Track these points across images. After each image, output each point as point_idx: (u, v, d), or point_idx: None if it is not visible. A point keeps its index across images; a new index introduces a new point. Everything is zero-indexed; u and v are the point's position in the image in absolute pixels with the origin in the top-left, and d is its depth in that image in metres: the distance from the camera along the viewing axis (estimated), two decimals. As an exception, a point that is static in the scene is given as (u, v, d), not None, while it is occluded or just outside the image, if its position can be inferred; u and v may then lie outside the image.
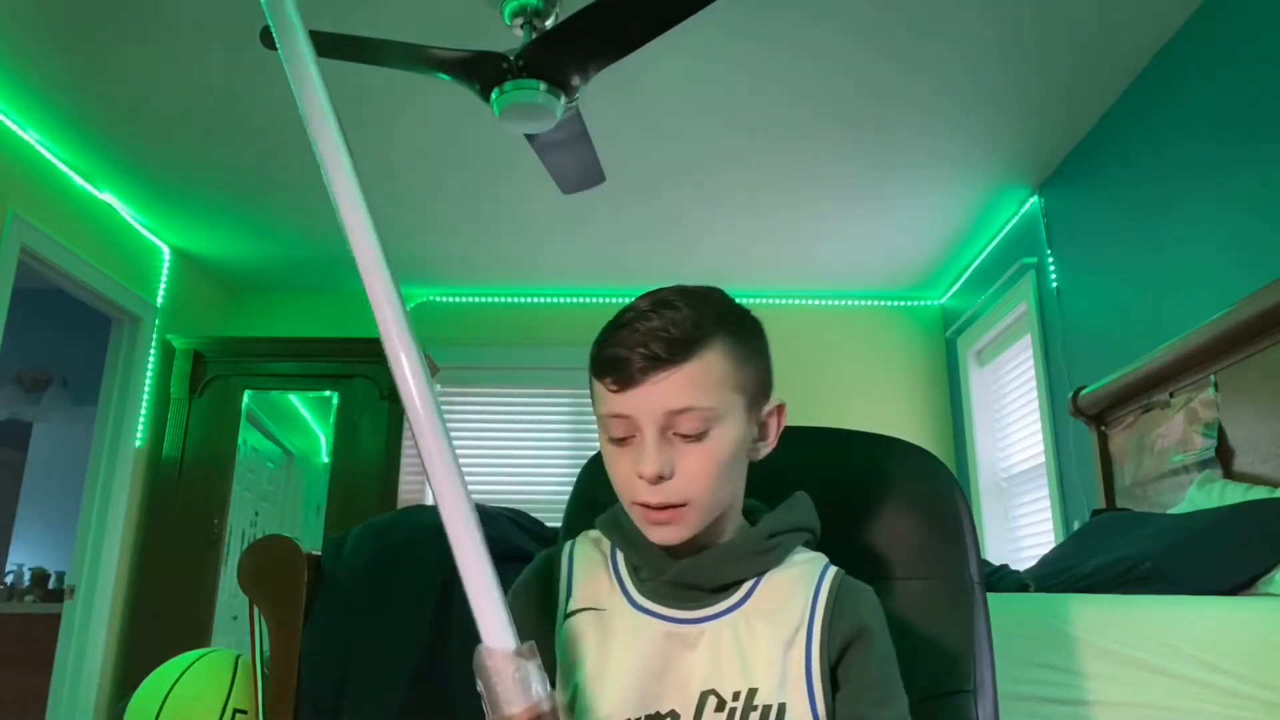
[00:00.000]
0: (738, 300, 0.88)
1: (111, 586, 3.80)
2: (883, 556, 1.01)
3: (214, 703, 1.84)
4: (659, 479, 0.79)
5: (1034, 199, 3.65)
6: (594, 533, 0.91)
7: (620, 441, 0.82)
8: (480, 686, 0.68)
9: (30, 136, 3.29)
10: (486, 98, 2.35)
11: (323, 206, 0.75)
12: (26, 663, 3.88)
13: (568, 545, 0.92)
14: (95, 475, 3.84)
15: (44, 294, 3.94)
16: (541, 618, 0.87)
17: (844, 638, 0.81)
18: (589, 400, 0.86)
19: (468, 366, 4.71)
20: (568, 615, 0.86)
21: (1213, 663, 1.42)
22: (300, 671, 1.57)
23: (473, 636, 0.69)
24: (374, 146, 3.34)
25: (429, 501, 3.72)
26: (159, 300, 4.14)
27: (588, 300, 4.75)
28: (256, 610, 1.64)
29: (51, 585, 4.56)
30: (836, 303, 4.79)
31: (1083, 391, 2.95)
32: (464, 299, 4.80)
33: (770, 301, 4.67)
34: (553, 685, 0.83)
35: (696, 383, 0.79)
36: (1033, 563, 2.28)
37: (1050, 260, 3.50)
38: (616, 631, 0.83)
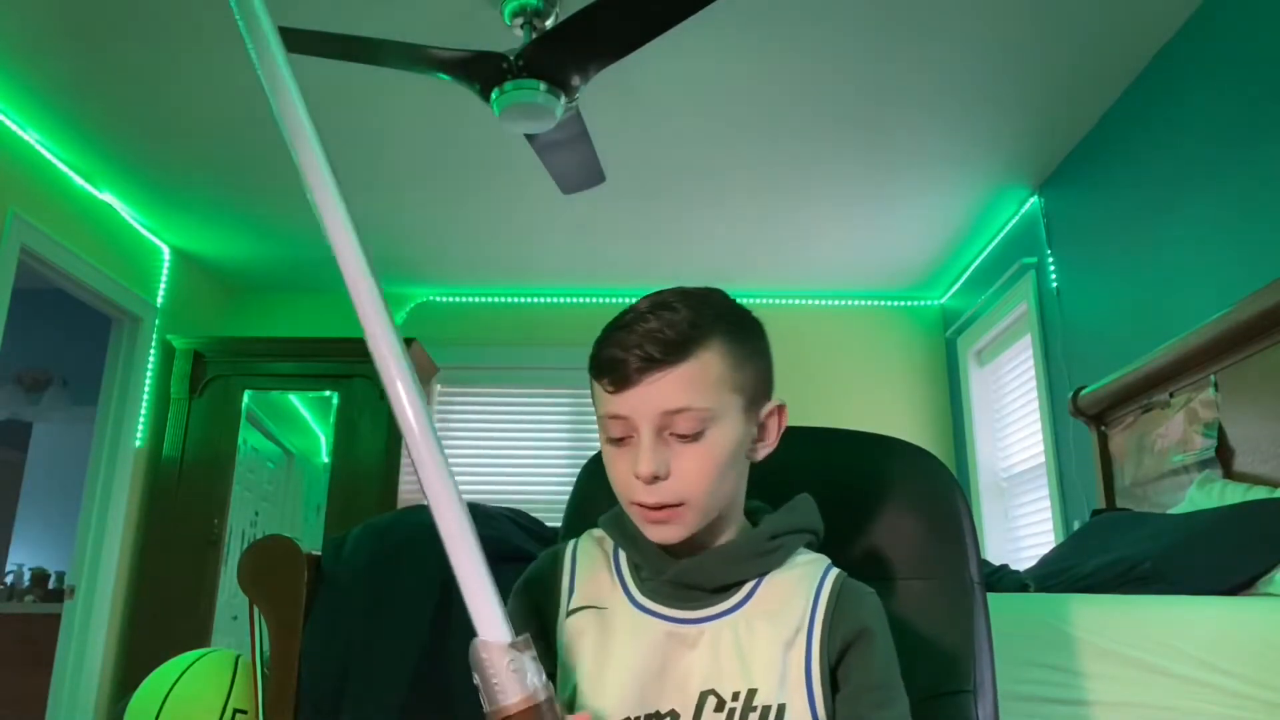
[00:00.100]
0: (738, 301, 0.88)
1: (111, 586, 3.80)
2: (883, 557, 1.01)
3: (214, 703, 1.84)
4: (655, 479, 0.80)
5: (1034, 199, 3.65)
6: (597, 531, 0.92)
7: (618, 442, 0.83)
8: (476, 679, 0.68)
9: (30, 136, 3.29)
10: (486, 98, 2.35)
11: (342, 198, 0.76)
12: (26, 663, 3.88)
13: (571, 543, 0.92)
14: (95, 475, 3.84)
15: (44, 294, 3.94)
16: (543, 615, 0.87)
17: (844, 639, 0.81)
18: (588, 400, 0.86)
19: (467, 366, 4.72)
20: (569, 613, 0.86)
21: (1213, 663, 1.42)
22: (300, 671, 1.57)
23: (473, 636, 0.69)
24: (374, 146, 3.34)
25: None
26: (159, 300, 4.14)
27: (587, 300, 4.75)
28: (256, 610, 1.64)
29: (51, 585, 4.56)
30: (836, 303, 4.79)
31: (1083, 391, 2.95)
32: (463, 299, 4.80)
33: (770, 301, 4.67)
34: (553, 683, 0.84)
35: (693, 383, 0.80)
36: (1033, 563, 2.28)
37: (1050, 260, 3.50)
38: (617, 630, 0.83)
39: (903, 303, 4.81)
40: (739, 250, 4.27)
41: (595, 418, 0.85)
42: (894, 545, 1.02)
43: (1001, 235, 3.97)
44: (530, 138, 2.59)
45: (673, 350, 0.79)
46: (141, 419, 4.04)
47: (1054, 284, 3.47)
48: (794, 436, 0.90)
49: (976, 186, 3.64)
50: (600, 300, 4.73)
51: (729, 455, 0.82)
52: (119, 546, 3.85)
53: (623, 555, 0.88)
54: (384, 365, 0.71)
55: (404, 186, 3.67)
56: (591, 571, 0.88)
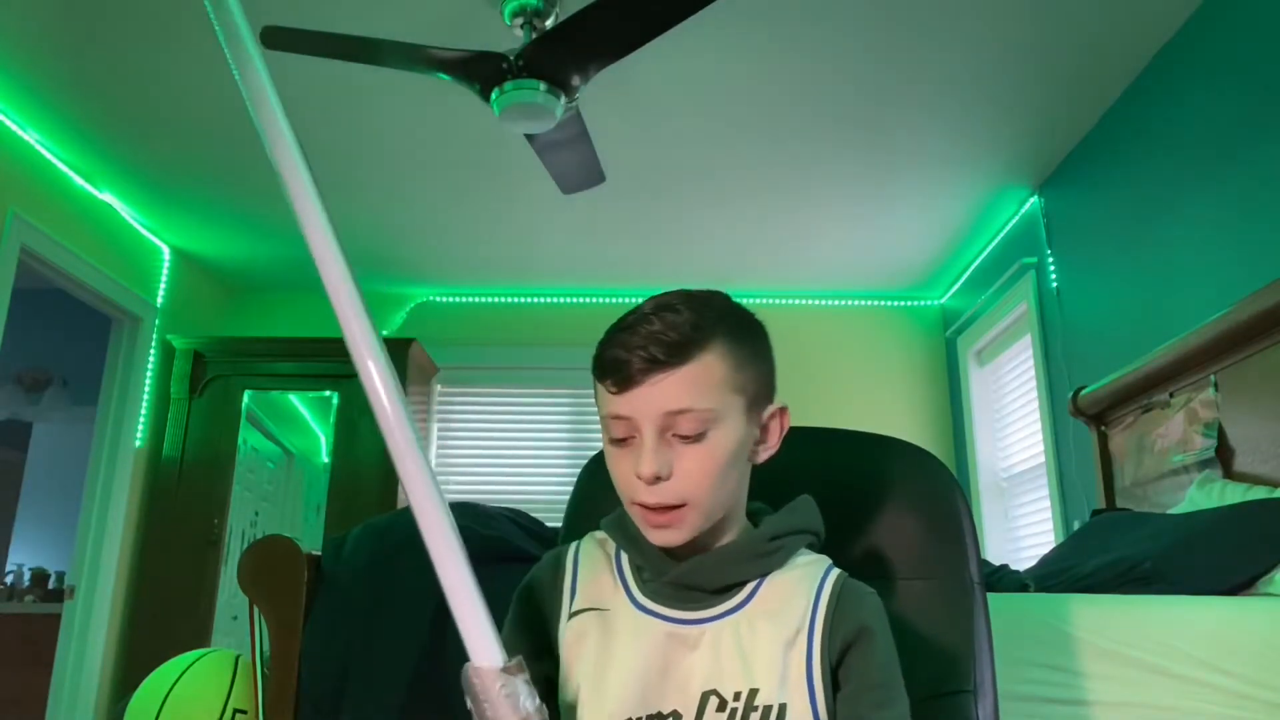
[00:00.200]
0: (739, 301, 0.88)
1: (111, 586, 3.80)
2: (883, 557, 1.01)
3: (214, 703, 1.83)
4: (656, 479, 0.80)
5: (1034, 199, 3.65)
6: (600, 533, 0.92)
7: (621, 442, 0.83)
8: (470, 704, 0.68)
9: (30, 136, 3.29)
10: (486, 98, 2.35)
11: (326, 206, 0.75)
12: (26, 663, 3.88)
13: (574, 545, 0.92)
14: (95, 475, 3.84)
15: (44, 294, 3.94)
16: (546, 617, 0.87)
17: (845, 639, 0.81)
18: (589, 400, 0.86)
19: (467, 366, 4.72)
20: (571, 615, 0.86)
21: (1213, 663, 1.42)
22: (300, 671, 1.57)
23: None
24: (374, 147, 3.35)
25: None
26: (159, 300, 4.14)
27: (588, 300, 4.75)
28: (256, 610, 1.64)
29: (51, 585, 4.56)
30: (836, 303, 4.79)
31: (1083, 391, 2.95)
32: (464, 299, 4.80)
33: (770, 301, 4.67)
34: (556, 685, 0.84)
35: (695, 384, 0.80)
36: (1033, 563, 2.28)
37: (1050, 260, 3.50)
38: (619, 632, 0.83)
39: (903, 303, 4.81)
40: (739, 250, 4.27)
41: (597, 418, 0.86)
42: (894, 545, 1.02)
43: (1001, 235, 3.98)
44: (530, 138, 2.59)
45: (676, 351, 0.80)
46: (141, 419, 4.04)
47: (1054, 284, 3.47)
48: (794, 437, 0.90)
49: (976, 186, 3.64)
50: (600, 300, 4.73)
51: (731, 456, 0.82)
52: (119, 546, 3.85)
53: (625, 557, 0.89)
54: (376, 400, 0.70)
55: (404, 186, 3.67)
56: (593, 573, 0.88)
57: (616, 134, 3.16)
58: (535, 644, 0.86)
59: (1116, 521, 2.30)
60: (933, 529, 1.02)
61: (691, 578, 0.84)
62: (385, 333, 4.52)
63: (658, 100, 3.05)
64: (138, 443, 4.01)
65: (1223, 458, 2.28)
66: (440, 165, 3.49)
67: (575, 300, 4.77)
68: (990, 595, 1.02)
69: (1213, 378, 2.33)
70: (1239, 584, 1.70)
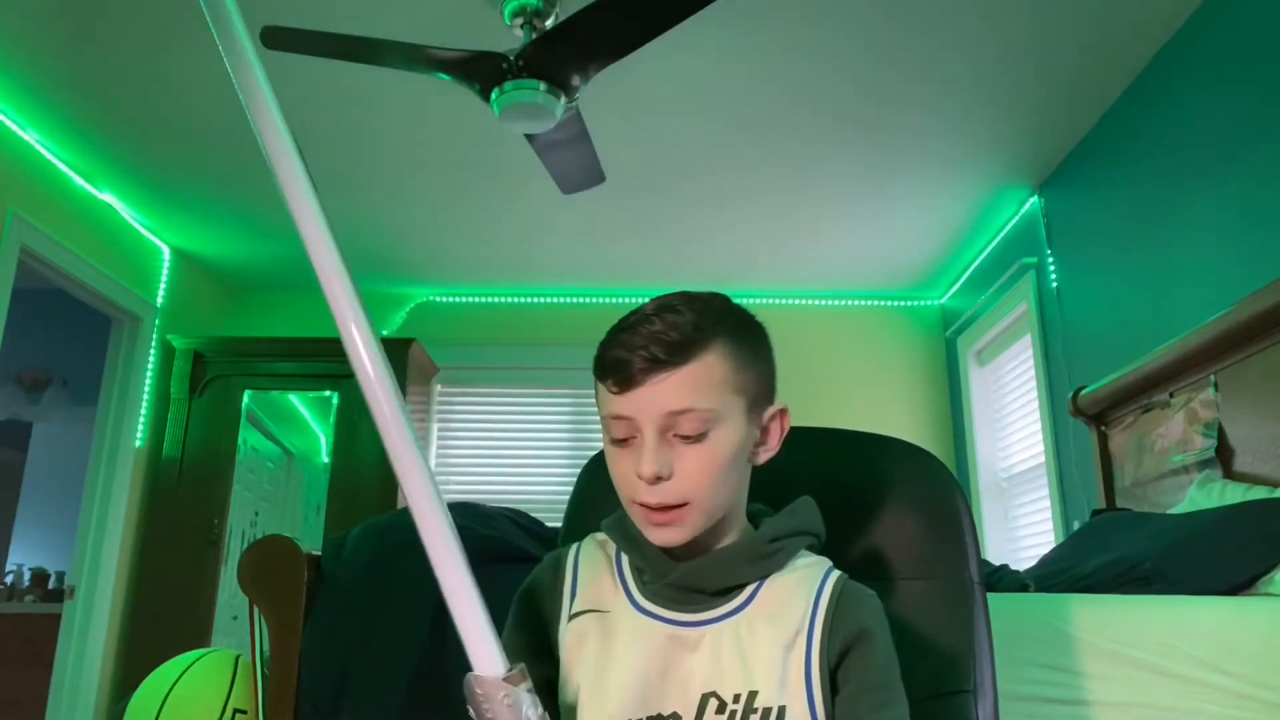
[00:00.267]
0: (739, 302, 0.89)
1: (111, 586, 3.80)
2: (883, 557, 1.01)
3: (214, 703, 1.83)
4: (657, 479, 0.80)
5: (1034, 199, 3.65)
6: (600, 535, 0.92)
7: (622, 442, 0.83)
8: (472, 713, 0.68)
9: (30, 136, 3.29)
10: (486, 98, 2.35)
11: (323, 206, 0.74)
12: (26, 663, 3.88)
13: (574, 547, 0.92)
14: (95, 475, 3.84)
15: (44, 294, 3.94)
16: (546, 619, 0.87)
17: (844, 641, 0.81)
18: (589, 400, 0.86)
19: (468, 366, 4.72)
20: (571, 617, 0.86)
21: (1213, 663, 1.42)
22: (300, 671, 1.57)
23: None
24: (374, 147, 3.35)
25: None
26: (159, 300, 4.14)
27: (588, 300, 4.75)
28: (256, 610, 1.64)
29: (51, 585, 4.56)
30: (836, 303, 4.79)
31: (1083, 391, 2.95)
32: (464, 299, 4.80)
33: (770, 301, 4.67)
34: (556, 686, 0.84)
35: (696, 384, 0.80)
36: (1033, 563, 2.28)
37: (1050, 260, 3.50)
38: (619, 633, 0.83)
39: (903, 303, 4.81)
40: (739, 250, 4.27)
41: (597, 418, 0.86)
42: (894, 545, 1.02)
43: (1001, 235, 3.98)
44: (530, 138, 2.59)
45: (677, 351, 0.80)
46: (141, 419, 4.04)
47: (1054, 284, 3.47)
48: (794, 437, 0.90)
49: (976, 186, 3.64)
50: (600, 300, 4.73)
51: (731, 456, 0.82)
52: (119, 546, 3.85)
53: (625, 559, 0.89)
54: (377, 406, 0.70)
55: (404, 186, 3.67)
56: (594, 575, 0.88)
57: (616, 134, 3.16)
58: (535, 646, 0.86)
59: (1116, 521, 2.30)
60: (933, 529, 1.02)
61: (692, 579, 0.84)
62: (385, 333, 4.53)
63: (658, 100, 3.05)
64: (138, 443, 4.01)
65: (1223, 458, 2.28)
66: (440, 165, 3.49)
67: (575, 300, 4.77)
68: (990, 595, 1.02)
69: (1213, 378, 2.33)
70: (1239, 584, 1.70)
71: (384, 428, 0.69)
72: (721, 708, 0.79)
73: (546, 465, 4.65)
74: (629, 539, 0.87)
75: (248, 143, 3.26)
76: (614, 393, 0.82)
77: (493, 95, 2.32)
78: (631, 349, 0.80)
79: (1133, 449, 2.73)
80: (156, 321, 4.11)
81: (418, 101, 3.03)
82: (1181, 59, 2.65)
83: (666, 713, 0.80)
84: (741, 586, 0.84)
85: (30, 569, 4.65)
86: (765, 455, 0.88)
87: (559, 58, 2.24)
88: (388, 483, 4.06)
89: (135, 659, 3.79)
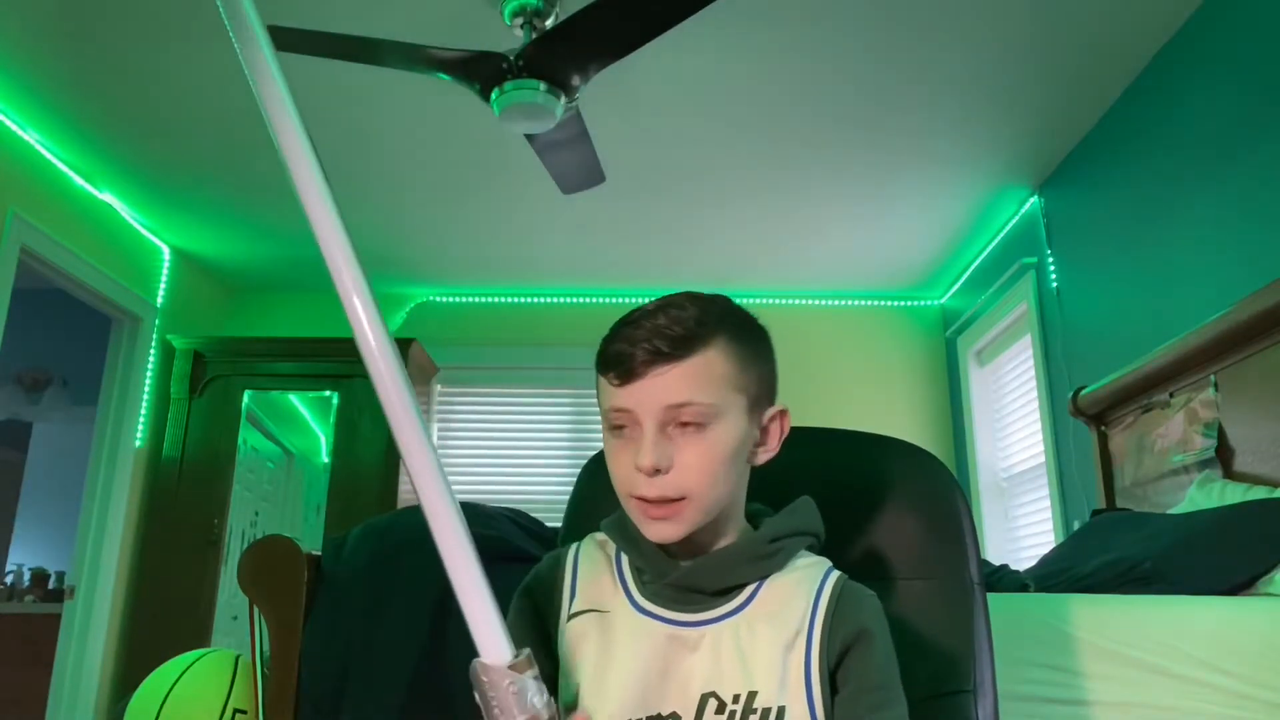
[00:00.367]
0: (740, 303, 0.89)
1: (111, 586, 3.80)
2: (883, 557, 1.01)
3: (214, 703, 1.83)
4: (656, 472, 0.80)
5: (1034, 199, 3.65)
6: (600, 535, 0.92)
7: (621, 436, 0.84)
8: (478, 700, 0.68)
9: (30, 136, 3.29)
10: (486, 98, 2.35)
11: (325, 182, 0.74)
12: (26, 663, 3.88)
13: (573, 547, 0.92)
14: (95, 475, 3.84)
15: (44, 294, 3.94)
16: (545, 618, 0.87)
17: (844, 641, 0.81)
18: (589, 400, 0.87)
19: (468, 366, 4.72)
20: (571, 616, 0.86)
21: (1213, 663, 1.42)
22: (300, 671, 1.57)
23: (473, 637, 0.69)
24: (374, 147, 3.34)
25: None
26: (159, 300, 4.15)
27: (588, 300, 4.75)
28: (256, 610, 1.64)
29: (51, 585, 4.56)
30: (836, 303, 4.79)
31: (1083, 391, 2.95)
32: (464, 299, 4.80)
33: (770, 301, 4.67)
34: (555, 687, 0.84)
35: (697, 378, 0.81)
36: (1033, 563, 2.28)
37: (1050, 260, 3.50)
38: (619, 633, 0.83)
39: (903, 303, 4.81)
40: (739, 250, 4.27)
41: (597, 419, 0.86)
42: (894, 545, 1.02)
43: (1001, 235, 3.98)
44: (530, 138, 2.59)
45: (679, 345, 0.81)
46: (141, 419, 4.04)
47: (1054, 284, 3.47)
48: (794, 437, 0.90)
49: (976, 186, 3.64)
50: (600, 300, 4.73)
51: (730, 452, 0.83)
52: (119, 546, 3.85)
53: (624, 559, 0.89)
54: (385, 393, 0.69)
55: (404, 186, 3.67)
56: (593, 575, 0.88)
57: (616, 134, 3.16)
58: (535, 644, 0.85)
59: (1116, 521, 2.30)
60: (933, 529, 1.02)
61: (691, 580, 0.84)
62: (385, 333, 4.51)
63: (658, 100, 3.05)
64: (138, 443, 4.01)
65: (1223, 458, 2.28)
66: (440, 165, 3.49)
67: (575, 300, 4.77)
68: (990, 595, 1.02)
69: (1213, 378, 2.33)
70: (1239, 584, 1.70)
71: (382, 390, 0.68)
72: (721, 708, 0.79)
73: (546, 465, 4.65)
74: (629, 539, 0.87)
75: (248, 142, 3.27)
76: (615, 385, 0.82)
77: (493, 95, 2.32)
78: (634, 342, 0.81)
79: (1133, 449, 2.73)
80: (156, 321, 4.11)
81: (418, 101, 3.03)
82: (1181, 59, 2.65)
83: (666, 713, 0.80)
84: (741, 587, 0.84)
85: (30, 569, 4.65)
86: (764, 456, 0.88)
87: (559, 58, 2.24)
88: (388, 483, 4.07)
89: (135, 659, 3.79)
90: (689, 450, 0.81)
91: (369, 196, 3.72)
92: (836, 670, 0.81)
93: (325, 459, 4.25)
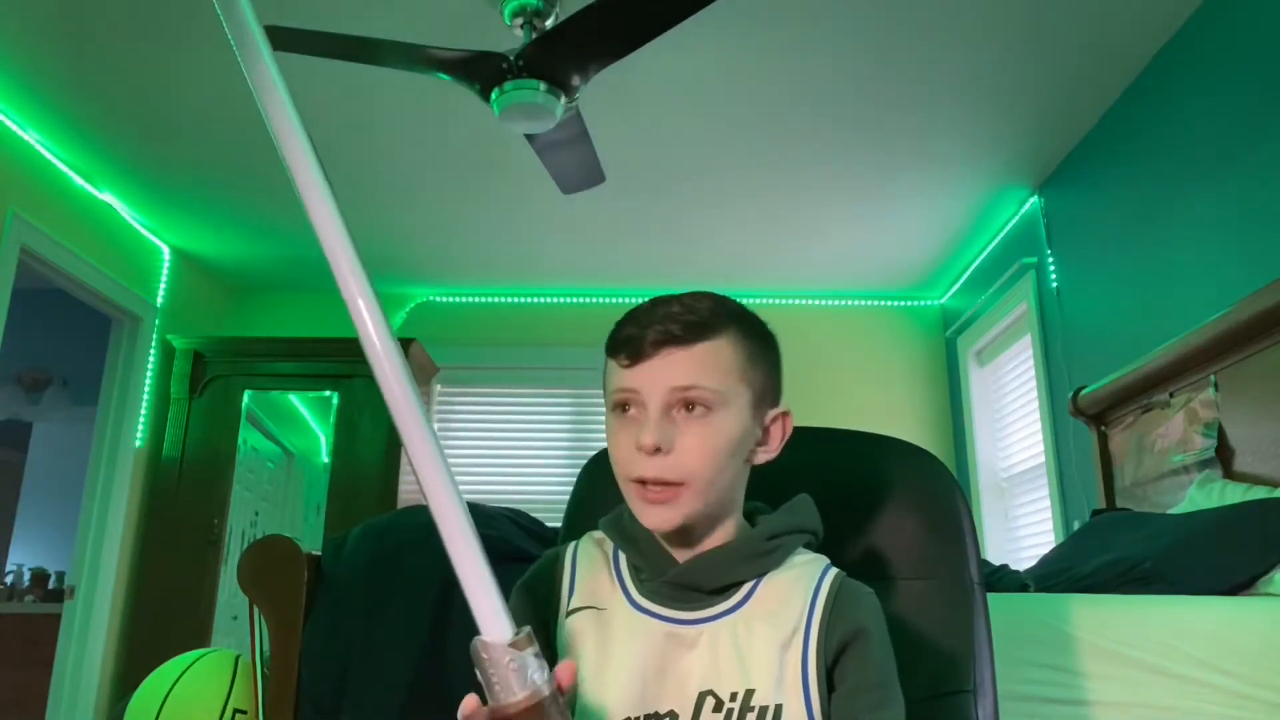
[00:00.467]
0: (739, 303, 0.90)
1: (111, 586, 3.80)
2: (882, 557, 1.01)
3: (214, 703, 1.84)
4: (657, 451, 0.81)
5: (1034, 199, 3.65)
6: (597, 533, 0.92)
7: (624, 417, 0.84)
8: (479, 677, 0.68)
9: (30, 136, 3.29)
10: (486, 98, 2.35)
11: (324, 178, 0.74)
12: (26, 663, 3.88)
13: (571, 545, 0.92)
14: (95, 475, 3.84)
15: (44, 294, 3.94)
16: (543, 616, 0.87)
17: (841, 639, 0.81)
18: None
19: (468, 366, 4.72)
20: (569, 613, 0.86)
21: (1213, 663, 1.42)
22: (300, 671, 1.57)
23: (473, 635, 0.69)
24: (374, 147, 3.34)
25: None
26: (159, 300, 4.15)
27: (588, 300, 4.75)
28: (256, 610, 1.64)
29: (51, 585, 4.56)
30: (836, 303, 4.79)
31: (1083, 391, 2.95)
32: (464, 299, 4.80)
33: (770, 301, 4.67)
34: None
35: (705, 364, 0.82)
36: (1033, 563, 2.28)
37: (1050, 260, 3.50)
38: (616, 631, 0.83)
39: (903, 303, 4.81)
40: (739, 250, 4.27)
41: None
42: (894, 545, 1.02)
43: (1001, 235, 3.98)
44: (530, 138, 2.59)
45: (691, 330, 0.83)
46: (141, 419, 4.04)
47: (1054, 284, 3.47)
48: (794, 436, 0.90)
49: (976, 186, 3.64)
50: (600, 300, 4.73)
51: (731, 443, 0.83)
52: (119, 546, 3.85)
53: (622, 557, 0.89)
54: (382, 375, 0.69)
55: (404, 186, 3.67)
56: (591, 572, 0.88)
57: (616, 134, 3.16)
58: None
59: (1116, 521, 2.30)
60: (933, 529, 1.02)
61: (689, 578, 0.84)
62: (385, 333, 4.51)
63: (658, 100, 3.05)
64: (138, 443, 4.01)
65: (1223, 458, 2.28)
66: (440, 165, 3.49)
67: (575, 300, 4.77)
68: (990, 595, 1.02)
69: (1213, 378, 2.33)
70: (1239, 584, 1.70)
71: (376, 363, 0.68)
72: (718, 706, 0.79)
73: (546, 465, 4.65)
74: (627, 537, 0.88)
75: (248, 143, 3.27)
76: (624, 366, 0.84)
77: (493, 95, 2.32)
78: (646, 325, 0.83)
79: (1133, 449, 2.73)
80: (156, 321, 4.11)
81: (418, 101, 3.03)
82: (1181, 59, 2.65)
83: (663, 711, 0.80)
84: (739, 585, 0.84)
85: (30, 569, 4.65)
86: (764, 456, 0.88)
87: (559, 58, 2.24)
88: (388, 483, 4.07)
89: (135, 659, 3.79)
90: (691, 435, 0.82)
91: (369, 197, 3.72)
92: (834, 668, 0.81)
93: (325, 459, 4.25)
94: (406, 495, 4.13)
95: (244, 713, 1.83)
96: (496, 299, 4.81)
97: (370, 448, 4.09)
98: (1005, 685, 1.03)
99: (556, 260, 4.42)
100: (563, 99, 2.33)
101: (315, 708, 1.56)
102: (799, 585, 0.84)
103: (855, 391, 4.60)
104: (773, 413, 0.88)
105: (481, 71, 2.30)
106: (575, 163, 2.80)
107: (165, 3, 2.57)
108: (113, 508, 3.82)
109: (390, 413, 0.69)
